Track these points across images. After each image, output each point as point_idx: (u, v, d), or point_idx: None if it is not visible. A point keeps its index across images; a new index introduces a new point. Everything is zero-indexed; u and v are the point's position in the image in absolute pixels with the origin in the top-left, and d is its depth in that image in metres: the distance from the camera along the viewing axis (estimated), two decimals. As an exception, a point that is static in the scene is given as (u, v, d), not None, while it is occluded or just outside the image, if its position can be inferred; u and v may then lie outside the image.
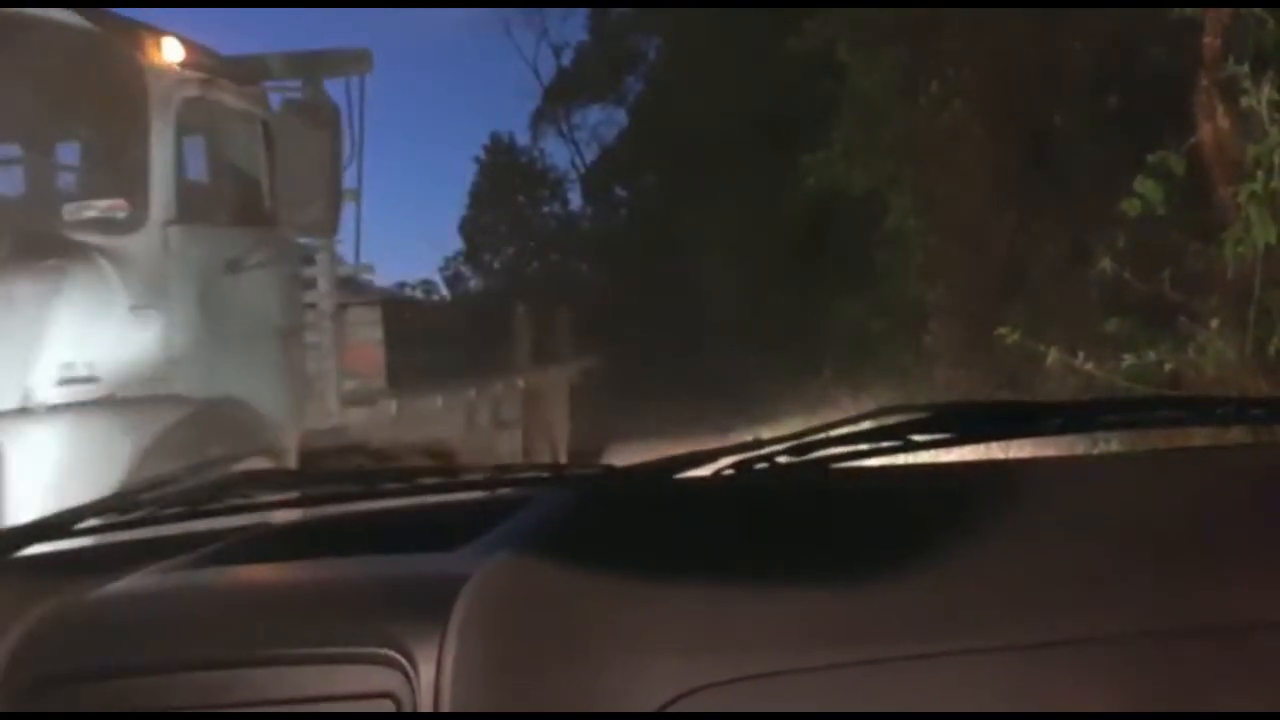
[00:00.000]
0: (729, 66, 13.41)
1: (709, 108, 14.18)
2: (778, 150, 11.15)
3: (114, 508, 1.25)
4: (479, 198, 25.33)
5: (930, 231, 8.46)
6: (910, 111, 8.18)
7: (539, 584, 0.95)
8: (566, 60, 23.64)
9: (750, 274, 13.07)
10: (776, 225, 12.19)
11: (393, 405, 4.92)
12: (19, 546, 1.24)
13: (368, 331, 4.84)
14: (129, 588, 1.03)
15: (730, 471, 1.15)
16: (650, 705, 0.83)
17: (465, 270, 25.88)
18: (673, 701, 0.83)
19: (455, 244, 25.75)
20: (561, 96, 23.87)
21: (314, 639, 0.88)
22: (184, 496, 1.25)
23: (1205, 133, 5.29)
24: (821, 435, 1.12)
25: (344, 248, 4.65)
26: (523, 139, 25.00)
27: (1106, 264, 5.19)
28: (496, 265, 25.49)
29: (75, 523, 1.22)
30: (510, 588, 0.93)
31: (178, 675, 0.89)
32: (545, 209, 25.44)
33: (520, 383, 7.25)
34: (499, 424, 6.73)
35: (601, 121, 23.98)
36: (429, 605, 0.88)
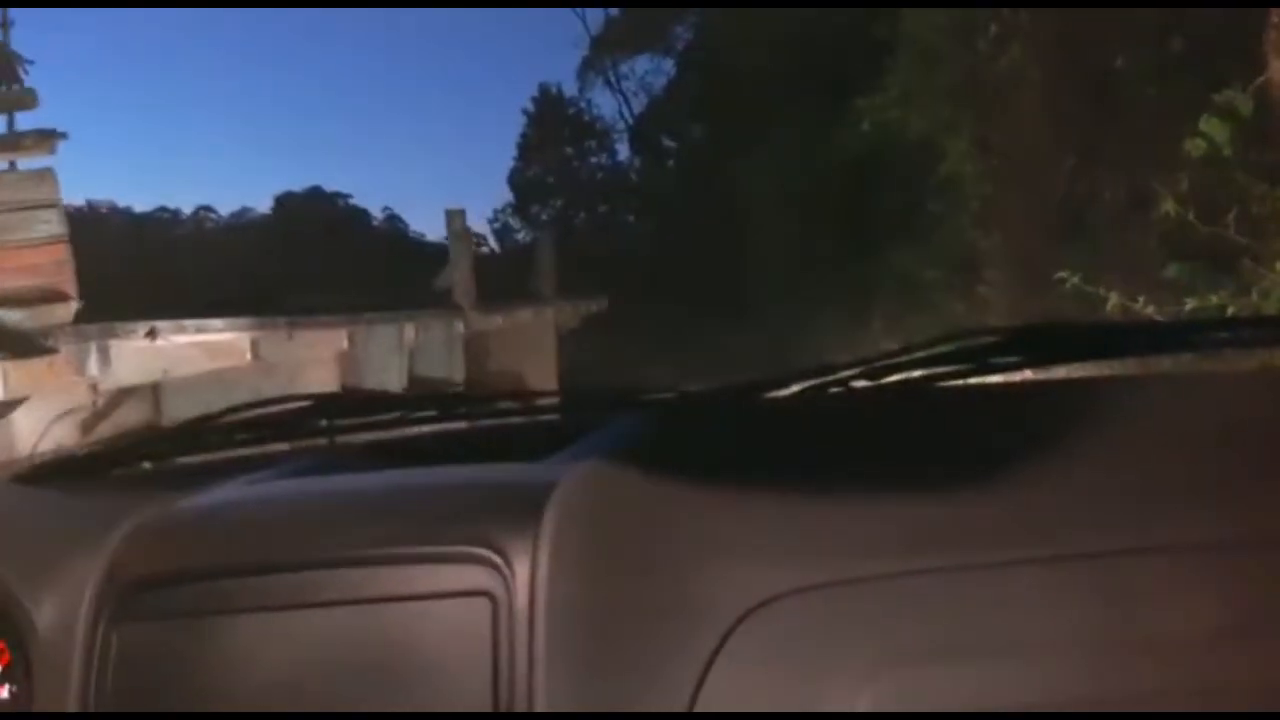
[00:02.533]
0: (779, 12, 13.18)
1: (758, 57, 13.94)
2: (829, 97, 10.99)
3: (198, 430, 1.29)
4: (527, 149, 25.34)
5: (986, 178, 8.33)
6: (968, 54, 8.02)
7: (626, 490, 0.96)
8: (614, 10, 23.34)
9: (799, 223, 12.94)
10: (827, 174, 12.03)
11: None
12: (113, 465, 1.29)
13: None
14: (224, 495, 1.06)
15: (805, 393, 1.16)
16: (738, 608, 0.85)
17: (513, 222, 26.00)
18: (759, 606, 0.85)
19: (504, 196, 25.81)
20: (609, 46, 23.64)
21: (410, 539, 0.90)
22: (266, 419, 1.28)
23: (1275, 70, 5.14)
24: (897, 359, 1.12)
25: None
26: (570, 90, 24.89)
27: (1170, 206, 5.09)
28: (544, 217, 25.50)
29: (162, 444, 1.28)
30: (599, 493, 0.95)
31: (275, 575, 0.91)
32: (592, 160, 25.38)
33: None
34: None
35: (649, 71, 23.74)
36: (522, 508, 0.90)
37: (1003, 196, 8.18)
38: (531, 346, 8.78)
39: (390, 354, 6.52)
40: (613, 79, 23.99)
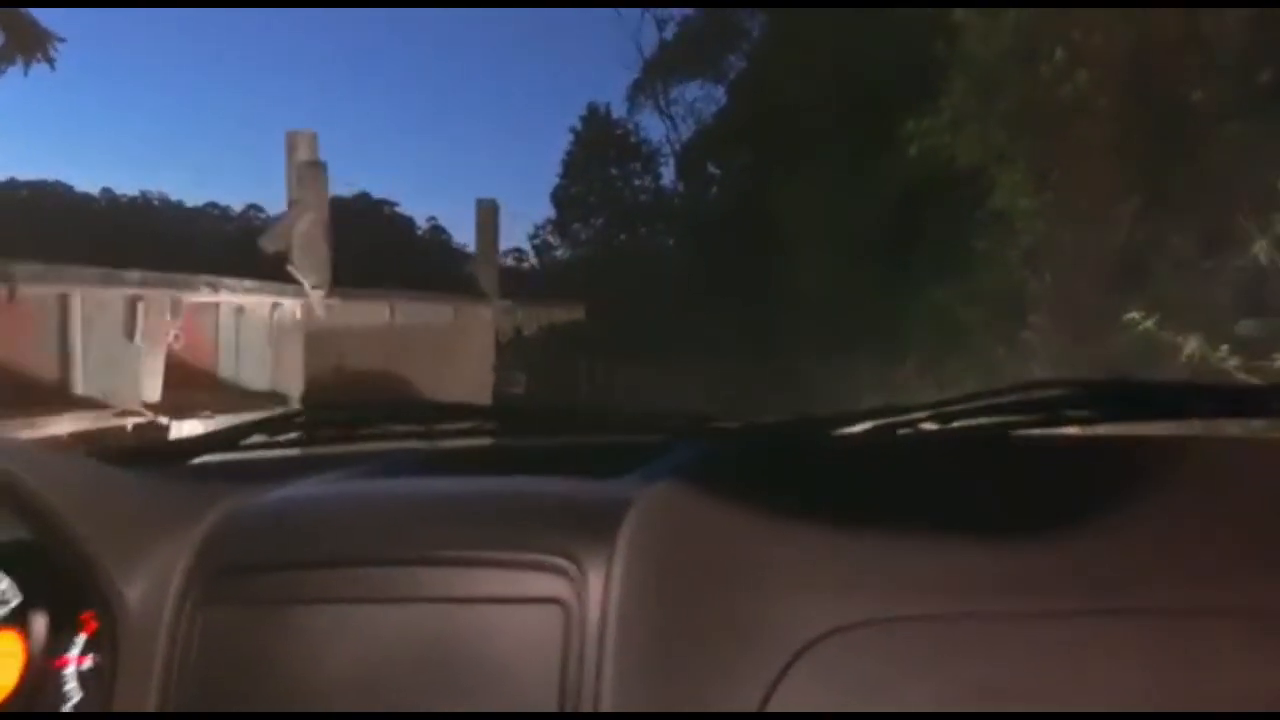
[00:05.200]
0: (833, 40, 12.77)
1: (809, 89, 13.61)
2: (878, 124, 10.46)
3: (279, 425, 1.36)
4: (572, 167, 25.23)
5: (1040, 214, 7.67)
6: (1029, 80, 7.40)
7: (701, 513, 0.99)
8: (669, 34, 23.12)
9: (838, 255, 12.46)
10: (872, 205, 11.54)
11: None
12: (194, 454, 1.34)
13: None
14: (310, 490, 1.12)
15: (875, 432, 1.18)
16: (802, 637, 0.87)
17: (553, 239, 25.88)
18: (823, 636, 0.87)
19: (545, 211, 25.64)
20: (661, 70, 23.45)
21: (488, 543, 0.92)
22: (344, 418, 1.40)
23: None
24: (968, 405, 1.14)
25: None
26: (619, 111, 24.71)
27: (1261, 248, 4.43)
28: (584, 235, 25.40)
29: (244, 436, 1.33)
30: (674, 513, 0.97)
31: (352, 569, 0.94)
32: (636, 182, 25.19)
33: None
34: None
35: (699, 98, 23.47)
36: (598, 521, 0.92)
37: (1058, 236, 7.51)
38: (458, 346, 7.92)
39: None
40: (662, 103, 23.84)
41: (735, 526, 0.97)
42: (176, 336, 5.03)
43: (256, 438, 1.34)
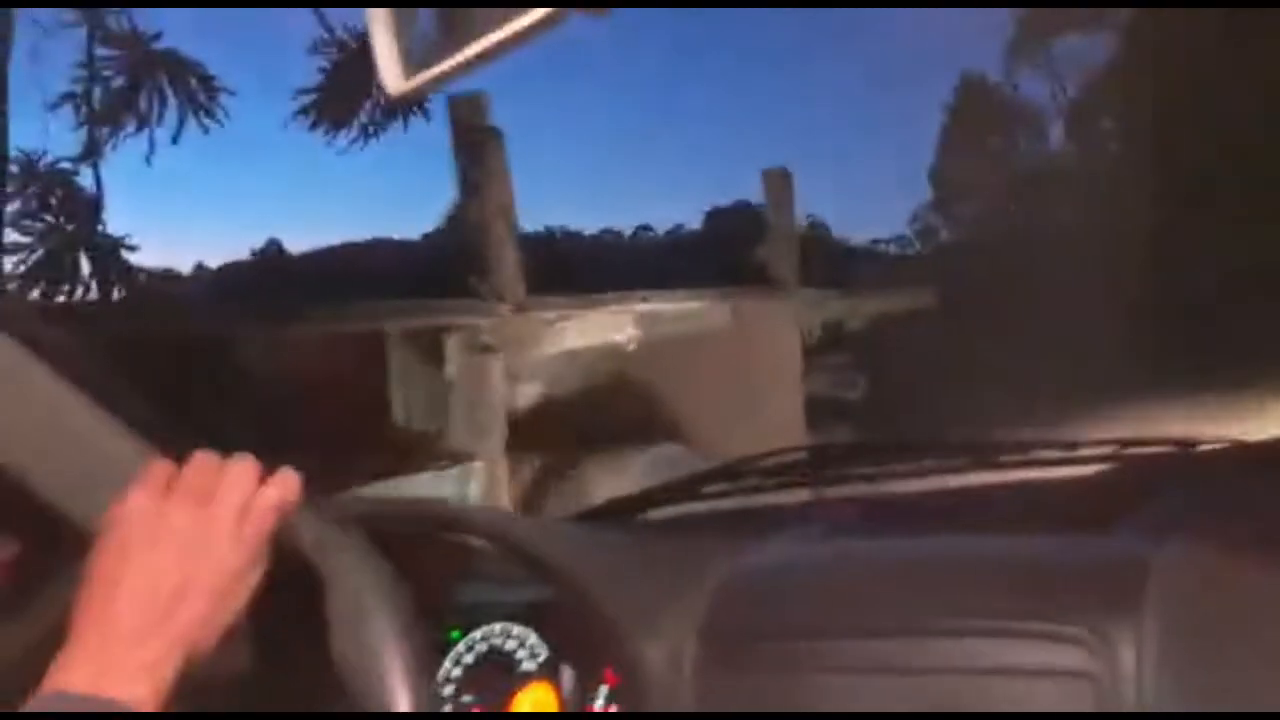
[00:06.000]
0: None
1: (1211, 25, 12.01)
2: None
3: (729, 475, 1.37)
4: (948, 143, 24.26)
5: None
6: None
7: (1218, 570, 0.93)
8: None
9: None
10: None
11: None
12: (649, 507, 1.38)
13: None
14: (805, 552, 1.13)
15: None
16: None
17: (935, 220, 25.03)
18: None
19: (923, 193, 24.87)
20: (1039, 25, 21.86)
21: (1007, 613, 0.90)
22: (789, 467, 1.37)
23: None
24: None
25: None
26: (995, 76, 23.36)
27: None
28: (968, 213, 24.31)
29: (698, 487, 1.36)
30: (1193, 574, 0.92)
31: (868, 641, 0.94)
32: (1022, 148, 23.69)
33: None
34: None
35: (1084, 49, 21.57)
36: (1118, 588, 0.88)
37: None
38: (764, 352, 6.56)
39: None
40: (1043, 60, 22.21)
41: (1251, 573, 0.92)
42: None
43: (713, 487, 1.37)
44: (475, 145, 5.44)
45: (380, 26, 0.76)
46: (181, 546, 0.89)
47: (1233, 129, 11.66)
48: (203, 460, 0.96)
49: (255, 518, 0.93)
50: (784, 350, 7.09)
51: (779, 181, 7.87)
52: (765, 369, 6.74)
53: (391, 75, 0.76)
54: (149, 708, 0.83)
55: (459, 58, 0.72)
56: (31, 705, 0.82)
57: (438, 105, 6.40)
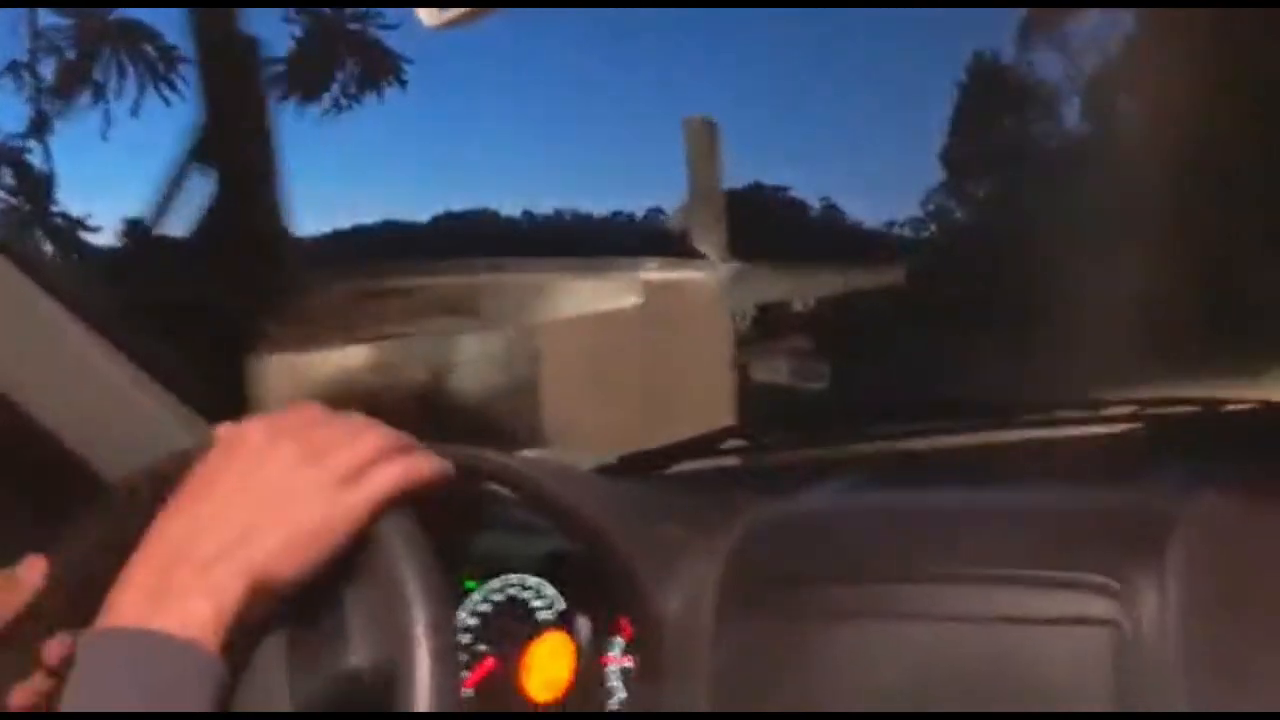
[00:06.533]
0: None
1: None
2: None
3: (748, 433, 1.40)
4: (960, 122, 24.14)
5: None
6: None
7: (1247, 520, 0.93)
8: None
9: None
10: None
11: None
12: (670, 463, 1.38)
13: None
14: (832, 501, 1.13)
15: None
16: None
17: (949, 203, 24.95)
18: None
19: (935, 175, 24.75)
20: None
21: (1031, 561, 0.90)
22: (811, 424, 1.40)
23: None
24: None
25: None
26: (1007, 56, 23.18)
27: None
28: (983, 194, 24.23)
29: (721, 442, 1.37)
30: (1225, 529, 0.92)
31: (894, 586, 0.94)
32: (1035, 128, 23.56)
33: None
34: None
35: (1101, 25, 21.36)
36: (1144, 538, 0.88)
37: None
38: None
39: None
40: (1057, 36, 22.03)
41: (1277, 527, 0.93)
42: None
43: (734, 443, 1.37)
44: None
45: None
46: (273, 490, 0.87)
47: (1254, 101, 11.53)
48: (330, 417, 0.92)
49: (363, 488, 0.88)
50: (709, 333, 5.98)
51: (701, 132, 6.46)
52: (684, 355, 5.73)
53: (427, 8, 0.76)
54: (209, 629, 0.80)
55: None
56: (80, 644, 0.81)
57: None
